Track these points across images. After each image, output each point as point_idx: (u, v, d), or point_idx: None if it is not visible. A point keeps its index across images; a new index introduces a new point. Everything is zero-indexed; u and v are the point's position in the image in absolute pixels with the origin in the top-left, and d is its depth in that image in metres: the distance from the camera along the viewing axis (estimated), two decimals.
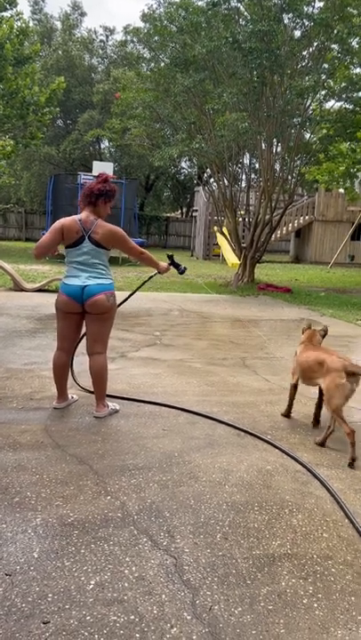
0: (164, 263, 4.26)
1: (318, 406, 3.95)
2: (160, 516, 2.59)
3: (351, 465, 3.29)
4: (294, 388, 4.05)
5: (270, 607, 2.02)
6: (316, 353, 3.74)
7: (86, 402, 4.13)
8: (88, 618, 1.91)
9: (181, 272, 4.36)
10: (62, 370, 3.97)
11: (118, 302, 4.00)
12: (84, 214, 3.76)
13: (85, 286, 3.72)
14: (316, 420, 3.98)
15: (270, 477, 3.08)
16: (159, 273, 4.28)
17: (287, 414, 4.14)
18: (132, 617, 1.92)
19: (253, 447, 3.50)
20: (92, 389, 4.03)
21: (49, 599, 1.99)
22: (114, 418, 3.87)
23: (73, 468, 3.03)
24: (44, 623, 1.87)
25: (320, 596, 2.11)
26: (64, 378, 4.01)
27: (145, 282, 4.67)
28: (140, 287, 4.70)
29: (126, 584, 2.10)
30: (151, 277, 4.57)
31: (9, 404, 4.04)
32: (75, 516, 2.55)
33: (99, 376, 3.86)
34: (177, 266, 4.33)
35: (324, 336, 3.86)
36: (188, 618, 1.94)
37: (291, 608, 2.03)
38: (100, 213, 3.81)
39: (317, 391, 3.90)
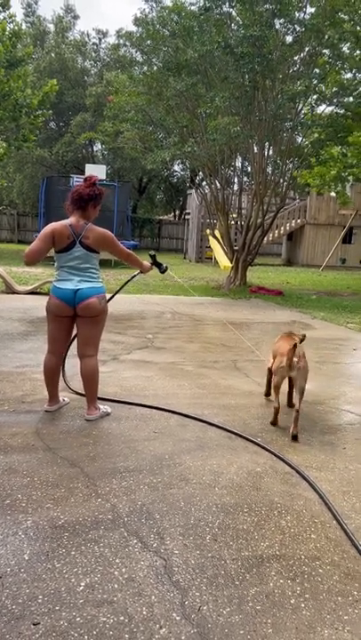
0: (147, 263, 4.34)
1: (289, 387, 4.38)
2: (150, 518, 2.61)
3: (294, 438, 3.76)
4: (270, 371, 4.39)
5: (258, 607, 2.05)
6: (284, 343, 4.09)
7: (77, 405, 4.14)
8: (78, 619, 1.92)
9: (163, 271, 4.42)
10: (53, 373, 3.98)
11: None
12: (73, 219, 3.78)
13: (78, 289, 3.74)
14: (290, 402, 4.41)
15: (260, 479, 3.11)
16: (142, 272, 4.37)
17: (267, 393, 4.59)
18: (122, 618, 1.94)
19: (244, 449, 3.53)
20: (83, 392, 4.05)
21: (39, 601, 2.00)
22: (105, 420, 3.89)
23: (64, 471, 3.05)
24: (34, 624, 1.89)
25: (307, 596, 2.14)
26: (55, 381, 4.02)
27: (128, 281, 4.74)
28: (123, 286, 4.79)
29: (116, 585, 2.12)
30: (134, 276, 4.64)
31: (0, 407, 4.04)
32: (65, 518, 2.56)
33: (90, 379, 3.88)
34: (159, 265, 4.41)
35: (301, 341, 4.03)
36: (177, 618, 1.96)
37: (278, 608, 2.06)
38: (89, 217, 3.83)
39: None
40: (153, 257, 4.42)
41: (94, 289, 3.79)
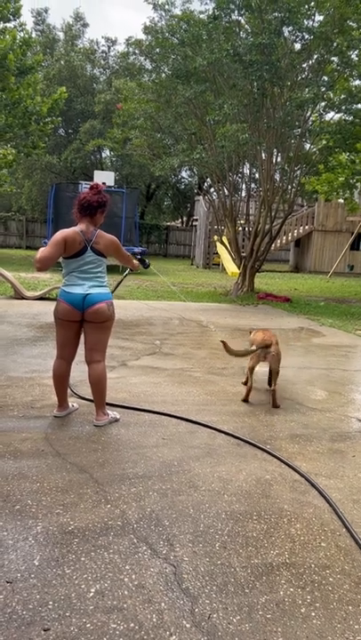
0: (135, 261, 4.57)
1: (269, 372, 4.88)
2: (159, 524, 2.61)
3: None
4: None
5: (268, 616, 2.04)
6: (260, 333, 4.90)
7: (86, 410, 4.15)
8: (88, 625, 1.93)
9: (146, 267, 4.85)
10: (63, 378, 4.00)
11: None
12: (83, 225, 3.81)
13: (87, 295, 3.77)
14: (269, 383, 4.95)
15: (269, 487, 3.10)
16: (131, 270, 4.55)
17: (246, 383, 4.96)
18: (132, 625, 1.94)
19: (252, 456, 3.53)
20: (91, 398, 4.06)
21: (49, 606, 2.01)
22: (114, 426, 3.90)
23: (73, 477, 3.06)
24: (44, 630, 1.89)
25: (318, 605, 2.13)
26: (64, 386, 4.04)
27: (122, 280, 5.08)
28: (120, 283, 5.12)
29: (126, 592, 2.12)
30: (126, 275, 5.01)
31: (10, 413, 4.06)
32: (75, 524, 2.57)
33: (98, 384, 3.90)
34: (143, 262, 4.81)
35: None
36: (188, 626, 1.96)
37: (289, 617, 2.05)
38: (97, 223, 3.90)
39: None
40: (139, 255, 4.88)
41: (103, 294, 3.84)
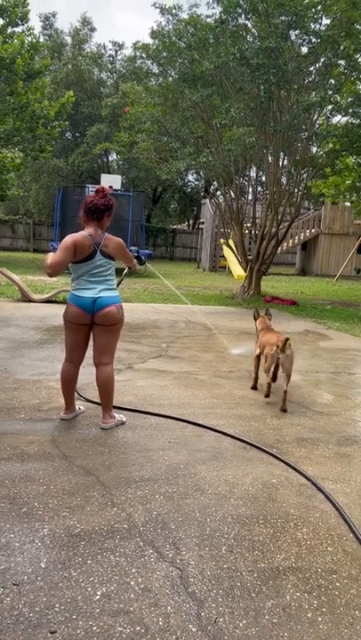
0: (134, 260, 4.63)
1: (276, 368, 4.86)
2: (166, 527, 2.61)
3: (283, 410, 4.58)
4: (257, 358, 5.15)
5: (275, 620, 2.04)
6: (270, 335, 4.99)
7: (93, 413, 4.16)
8: (95, 628, 1.93)
9: (142, 263, 5.01)
10: (70, 381, 4.01)
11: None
12: (91, 229, 3.82)
13: (97, 298, 3.79)
14: (274, 378, 4.91)
15: (275, 491, 3.10)
16: (130, 268, 4.50)
17: (254, 387, 5.19)
18: (138, 628, 1.94)
19: (259, 460, 3.52)
20: (97, 401, 4.07)
21: (56, 609, 2.02)
22: (120, 429, 3.90)
23: (80, 480, 3.07)
24: (51, 633, 1.90)
25: (324, 609, 2.13)
26: (72, 389, 4.06)
27: (122, 279, 4.87)
28: (120, 282, 4.85)
29: (132, 595, 2.12)
30: (125, 273, 4.83)
31: (17, 415, 4.08)
32: (81, 526, 2.58)
33: (105, 387, 3.91)
34: (139, 259, 4.94)
35: (270, 318, 5.45)
36: (194, 630, 1.96)
37: (295, 622, 2.04)
38: (104, 227, 3.92)
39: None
40: (136, 252, 4.94)
41: (113, 298, 3.86)
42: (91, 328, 3.89)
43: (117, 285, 4.35)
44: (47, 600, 2.06)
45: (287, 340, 4.60)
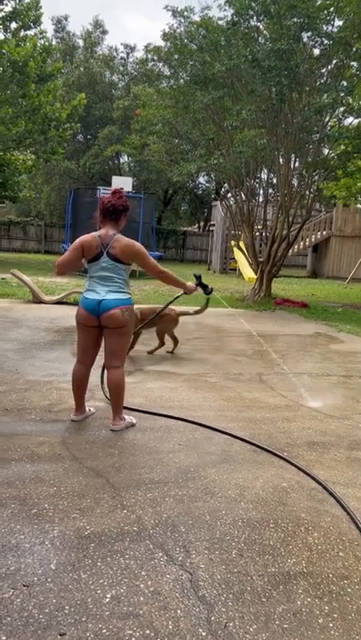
0: (191, 284, 4.28)
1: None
2: (176, 530, 2.60)
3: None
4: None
5: (286, 626, 2.02)
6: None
7: (103, 415, 4.16)
8: (104, 631, 1.92)
9: (208, 293, 4.31)
10: (81, 382, 4.01)
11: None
12: (103, 230, 3.82)
13: (102, 300, 3.77)
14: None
15: (286, 495, 3.07)
16: (186, 293, 4.30)
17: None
18: (148, 631, 1.93)
19: (269, 464, 3.50)
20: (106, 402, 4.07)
21: (65, 611, 2.01)
22: (130, 431, 3.90)
23: (90, 481, 3.07)
24: (60, 635, 1.89)
25: (336, 615, 2.10)
26: (82, 390, 4.06)
27: (170, 302, 4.61)
28: (165, 307, 4.66)
29: (142, 598, 2.11)
30: (177, 297, 4.48)
31: (27, 416, 4.09)
32: (91, 528, 2.57)
33: (115, 389, 3.90)
34: (205, 287, 4.28)
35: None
36: (203, 634, 1.94)
37: (306, 627, 2.02)
38: (120, 227, 3.89)
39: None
40: (198, 278, 4.30)
41: (118, 300, 3.78)
42: (101, 330, 3.89)
43: (166, 306, 4.07)
44: (57, 602, 2.06)
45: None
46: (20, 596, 2.08)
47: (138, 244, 3.89)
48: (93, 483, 3.05)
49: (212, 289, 4.36)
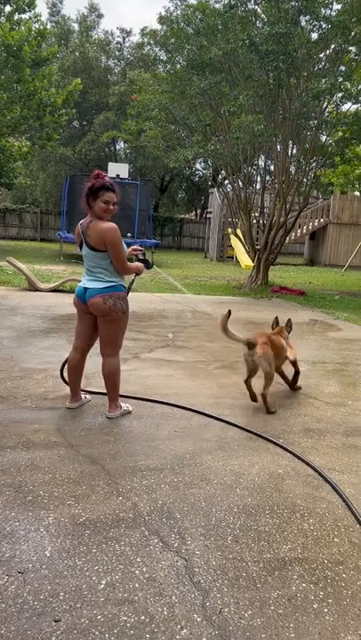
0: (138, 264, 4.08)
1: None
2: (171, 517, 2.60)
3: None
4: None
5: (280, 611, 2.02)
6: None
7: (99, 402, 4.15)
8: (99, 617, 1.92)
9: (149, 267, 4.31)
10: (76, 369, 4.00)
11: None
12: (87, 218, 3.77)
13: (87, 288, 3.78)
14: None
15: (282, 481, 3.08)
16: (138, 275, 4.12)
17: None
18: (143, 617, 1.94)
19: (265, 450, 3.50)
20: (102, 391, 4.06)
21: (60, 598, 2.01)
22: (126, 419, 3.89)
23: (85, 468, 3.06)
24: (55, 621, 1.89)
25: (331, 601, 2.11)
26: (78, 377, 4.05)
27: (129, 287, 4.53)
28: (128, 290, 4.56)
29: (137, 584, 2.11)
30: (133, 281, 4.34)
31: (23, 404, 4.08)
32: (86, 515, 2.57)
33: (108, 377, 3.89)
34: (145, 262, 4.24)
35: (290, 330, 5.06)
36: (199, 620, 1.95)
37: (301, 612, 2.03)
38: (95, 213, 3.68)
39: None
40: (143, 254, 4.28)
41: (100, 289, 3.71)
42: (95, 317, 3.86)
43: (127, 292, 3.94)
44: (52, 588, 2.06)
45: (257, 341, 4.29)
46: (15, 582, 2.08)
47: (111, 231, 3.61)
48: (89, 470, 3.04)
49: (152, 263, 4.43)
